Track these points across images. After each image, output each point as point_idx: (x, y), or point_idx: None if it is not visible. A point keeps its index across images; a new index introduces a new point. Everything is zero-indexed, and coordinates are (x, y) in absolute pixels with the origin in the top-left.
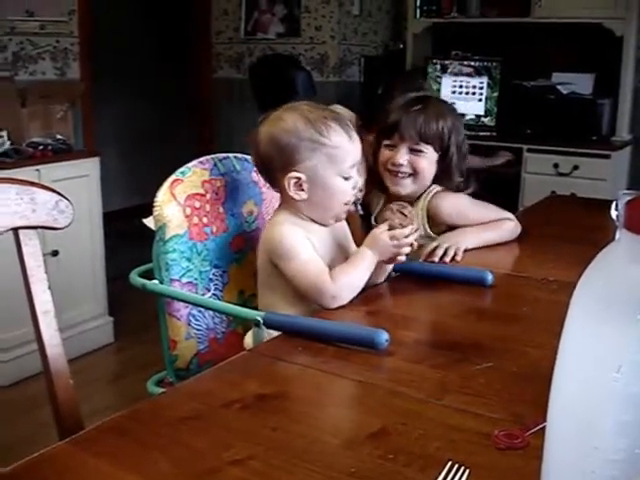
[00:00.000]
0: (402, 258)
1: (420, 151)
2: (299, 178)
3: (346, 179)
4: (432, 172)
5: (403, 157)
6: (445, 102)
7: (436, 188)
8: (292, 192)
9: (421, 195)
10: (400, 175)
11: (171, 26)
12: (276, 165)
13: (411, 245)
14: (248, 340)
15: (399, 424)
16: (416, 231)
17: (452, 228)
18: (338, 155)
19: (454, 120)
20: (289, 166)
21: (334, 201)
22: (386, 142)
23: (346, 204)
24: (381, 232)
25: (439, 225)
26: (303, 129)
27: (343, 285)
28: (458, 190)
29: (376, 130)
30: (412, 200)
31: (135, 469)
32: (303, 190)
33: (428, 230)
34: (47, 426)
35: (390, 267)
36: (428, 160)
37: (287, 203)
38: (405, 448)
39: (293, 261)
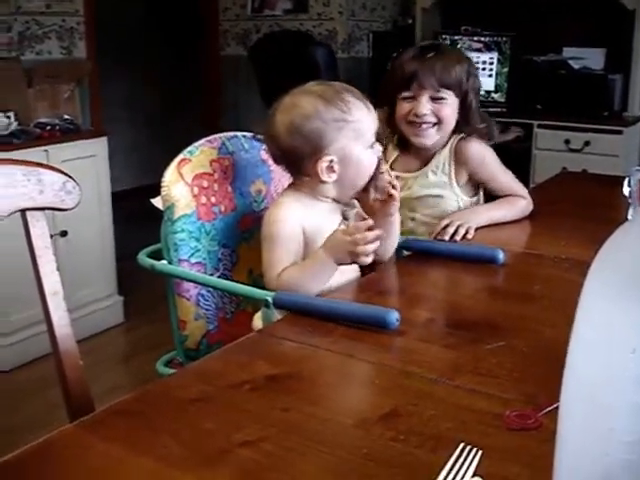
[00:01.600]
0: (366, 259)
1: (442, 98)
2: (331, 161)
3: (373, 147)
4: (454, 119)
5: (426, 106)
6: (455, 47)
7: (461, 135)
8: (325, 176)
9: (445, 144)
10: (424, 126)
11: (178, 3)
12: (304, 154)
13: (373, 242)
14: (257, 322)
15: (410, 405)
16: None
17: (471, 181)
18: (362, 128)
19: (469, 64)
20: (318, 152)
21: (365, 175)
22: (404, 94)
23: (370, 175)
24: (336, 230)
25: (462, 172)
26: (325, 110)
27: (284, 285)
28: (481, 137)
29: (389, 85)
30: (436, 150)
31: (145, 452)
32: (334, 172)
33: (453, 180)
34: (58, 407)
35: (397, 222)
36: (450, 107)
37: (299, 184)
38: (416, 429)
39: (266, 244)
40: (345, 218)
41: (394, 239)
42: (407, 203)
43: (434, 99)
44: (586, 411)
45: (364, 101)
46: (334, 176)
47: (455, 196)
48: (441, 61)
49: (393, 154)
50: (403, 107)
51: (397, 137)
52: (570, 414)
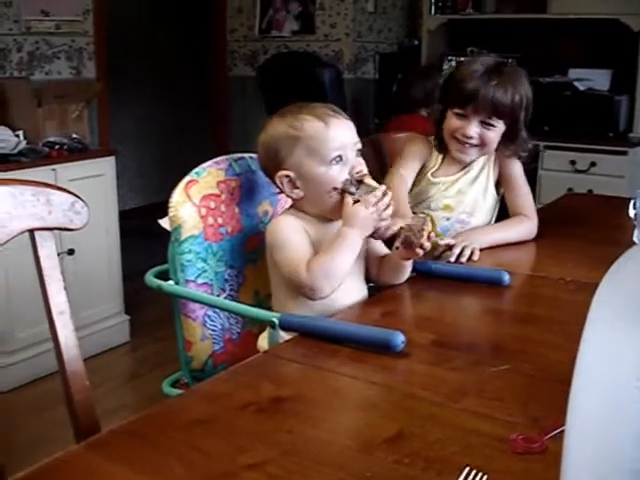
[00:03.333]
0: (386, 222)
1: (491, 124)
2: (288, 176)
3: (334, 164)
4: (497, 141)
5: (473, 130)
6: (520, 69)
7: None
8: (288, 191)
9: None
10: (467, 145)
11: (187, 24)
12: (269, 169)
13: (388, 207)
14: (262, 342)
15: (415, 427)
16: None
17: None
18: (314, 144)
19: (527, 90)
20: (277, 166)
21: (323, 190)
22: (457, 111)
23: (336, 189)
24: (353, 207)
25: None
26: (278, 128)
27: (317, 276)
28: (515, 155)
29: (444, 93)
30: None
31: (150, 474)
32: (298, 187)
33: (490, 184)
34: (64, 425)
35: (410, 266)
36: (497, 132)
37: (293, 205)
38: (421, 452)
39: (280, 252)
40: (350, 193)
41: (404, 277)
42: (444, 204)
43: (484, 123)
44: (592, 438)
45: (324, 117)
46: (299, 192)
47: (490, 196)
48: (501, 90)
49: (438, 159)
50: (453, 122)
51: (438, 141)
52: (575, 439)
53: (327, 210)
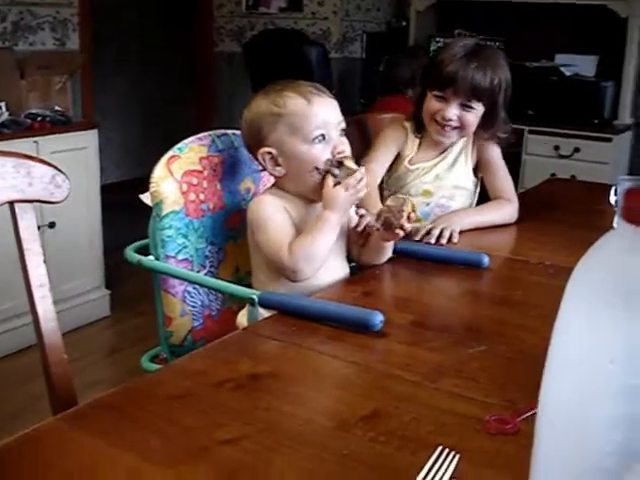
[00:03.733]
0: (361, 194)
1: (470, 107)
2: (270, 153)
3: (317, 142)
4: (476, 123)
5: (453, 112)
6: (499, 52)
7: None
8: (270, 168)
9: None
10: (447, 127)
11: None
12: (252, 146)
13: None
14: (241, 319)
15: (392, 407)
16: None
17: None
18: (297, 122)
19: (506, 73)
20: (259, 143)
21: (305, 169)
22: (437, 93)
23: (318, 169)
24: (334, 189)
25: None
26: (261, 105)
27: (299, 258)
28: (494, 139)
29: (425, 75)
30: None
31: (126, 447)
32: (280, 165)
33: (469, 167)
34: (42, 398)
35: (391, 247)
36: (476, 115)
37: (275, 184)
38: (397, 431)
39: (262, 233)
40: (333, 175)
41: (385, 257)
42: (423, 190)
43: (463, 105)
44: (563, 419)
45: (307, 95)
46: (281, 170)
47: (469, 181)
48: (480, 73)
49: (414, 145)
50: (433, 105)
51: (416, 123)
52: (547, 422)
53: (308, 189)
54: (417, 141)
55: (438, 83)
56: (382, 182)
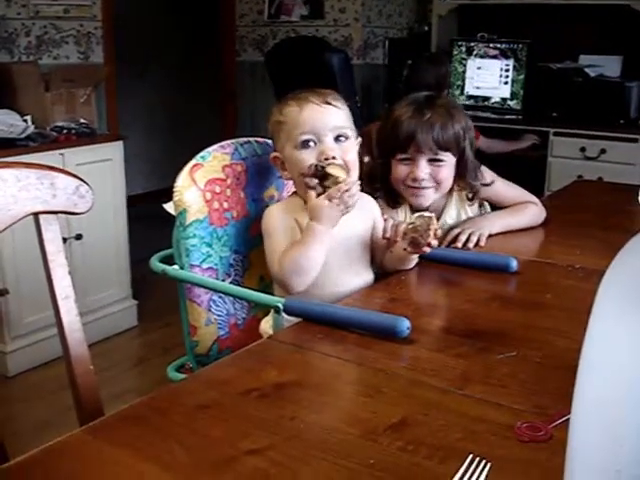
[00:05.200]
0: (351, 205)
1: (440, 160)
2: (278, 158)
3: (304, 148)
4: (452, 177)
5: (423, 171)
6: (450, 98)
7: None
8: (280, 172)
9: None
10: (421, 189)
11: (196, 9)
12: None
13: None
14: (264, 326)
15: (420, 414)
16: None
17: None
18: (288, 128)
19: (465, 118)
20: (274, 149)
21: (296, 175)
22: (400, 156)
23: (304, 175)
24: (316, 200)
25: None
26: (273, 113)
27: (287, 271)
28: (476, 191)
29: (382, 144)
30: (437, 208)
31: (152, 458)
32: (285, 170)
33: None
34: (69, 409)
35: (416, 257)
36: (448, 167)
37: (295, 191)
38: (425, 439)
39: (265, 242)
40: (308, 185)
41: (409, 266)
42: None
43: (432, 160)
44: (597, 426)
45: (301, 102)
46: (286, 174)
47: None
48: (439, 121)
49: (405, 213)
50: (400, 169)
51: (387, 197)
52: (581, 428)
53: (304, 196)
54: (406, 210)
55: (398, 145)
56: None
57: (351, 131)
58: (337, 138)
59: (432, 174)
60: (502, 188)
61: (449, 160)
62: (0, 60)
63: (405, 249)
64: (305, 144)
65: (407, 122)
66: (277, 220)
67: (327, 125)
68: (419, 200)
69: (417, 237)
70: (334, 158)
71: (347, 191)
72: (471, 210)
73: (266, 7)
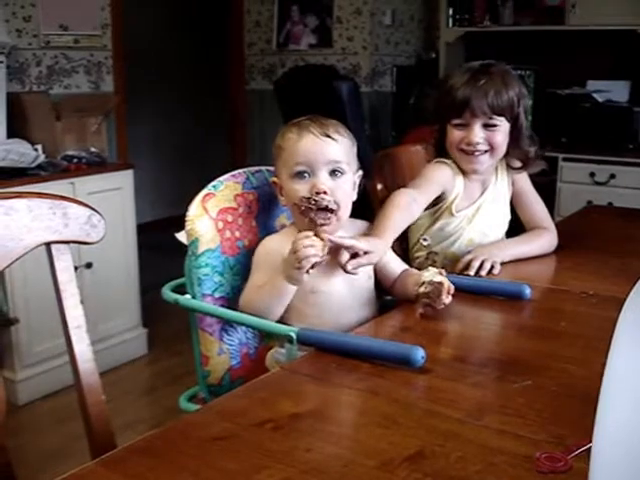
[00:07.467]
0: (305, 266)
1: (494, 125)
2: (277, 183)
3: (298, 178)
4: (506, 143)
5: (478, 135)
6: (505, 66)
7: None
8: (279, 197)
9: (496, 168)
10: (477, 153)
11: (205, 39)
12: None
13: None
14: (270, 361)
15: (437, 446)
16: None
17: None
18: (285, 155)
19: (519, 85)
20: (274, 173)
21: (290, 203)
22: (455, 121)
23: (296, 205)
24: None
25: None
26: (276, 138)
27: (242, 305)
28: (530, 158)
29: (438, 110)
30: (489, 174)
31: None
32: (283, 196)
33: (508, 208)
34: (80, 439)
35: None
36: (503, 133)
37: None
38: (443, 471)
39: (251, 271)
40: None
41: None
42: (468, 239)
43: (486, 126)
44: (620, 456)
45: (301, 131)
46: (283, 200)
47: (506, 215)
48: (493, 87)
49: (460, 185)
50: (455, 135)
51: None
52: (603, 459)
53: (299, 221)
54: (462, 181)
55: (454, 110)
56: (408, 230)
57: (348, 166)
58: (332, 172)
59: (486, 138)
60: (532, 196)
61: (503, 125)
62: (11, 90)
63: (420, 314)
64: (299, 175)
65: (462, 88)
66: (264, 255)
67: (323, 159)
68: (474, 165)
69: (430, 302)
70: (325, 193)
71: (304, 248)
72: (505, 208)
73: (274, 36)
